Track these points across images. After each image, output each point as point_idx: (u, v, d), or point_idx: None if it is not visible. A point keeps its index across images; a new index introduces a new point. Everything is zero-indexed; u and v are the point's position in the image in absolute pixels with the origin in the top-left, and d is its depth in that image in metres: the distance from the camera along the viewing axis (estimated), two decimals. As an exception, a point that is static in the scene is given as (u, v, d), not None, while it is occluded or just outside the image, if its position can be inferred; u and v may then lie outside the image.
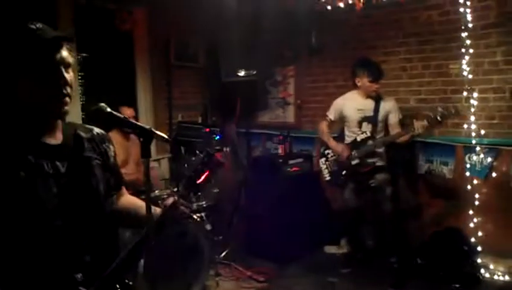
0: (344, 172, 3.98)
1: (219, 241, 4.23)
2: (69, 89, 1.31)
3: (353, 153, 3.89)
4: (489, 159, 3.88)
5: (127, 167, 3.73)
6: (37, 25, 1.28)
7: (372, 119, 3.85)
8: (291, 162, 4.51)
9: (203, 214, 3.78)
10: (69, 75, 1.32)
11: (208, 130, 4.40)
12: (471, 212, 3.88)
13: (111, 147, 1.57)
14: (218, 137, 4.57)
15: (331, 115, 4.09)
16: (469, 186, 3.91)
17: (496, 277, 3.71)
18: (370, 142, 3.84)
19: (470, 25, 3.82)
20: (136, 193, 2.21)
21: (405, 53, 4.36)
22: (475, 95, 3.85)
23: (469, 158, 3.99)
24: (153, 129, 1.30)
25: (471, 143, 3.88)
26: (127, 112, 3.94)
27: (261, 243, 4.30)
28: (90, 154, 1.45)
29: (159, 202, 3.71)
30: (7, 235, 1.22)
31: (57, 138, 1.38)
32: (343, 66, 4.82)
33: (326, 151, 4.14)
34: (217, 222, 4.17)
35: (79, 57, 4.12)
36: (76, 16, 4.15)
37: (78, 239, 1.33)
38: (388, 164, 3.95)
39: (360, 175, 3.94)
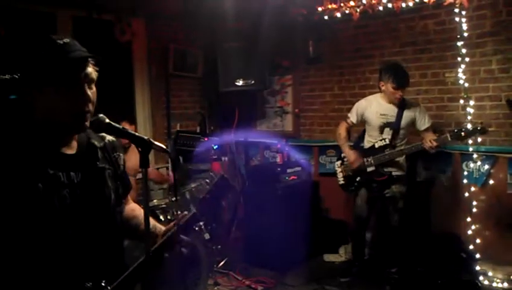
0: (358, 178, 3.88)
1: (217, 250, 4.22)
2: (90, 106, 1.31)
3: (369, 159, 3.77)
4: (486, 167, 3.90)
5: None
6: (64, 40, 1.29)
7: (394, 126, 3.72)
8: (289, 170, 4.52)
9: (201, 223, 3.78)
10: (91, 91, 1.32)
11: (206, 139, 4.41)
12: (469, 219, 3.89)
13: (121, 155, 1.58)
14: (216, 146, 4.58)
15: (353, 117, 3.92)
16: (466, 194, 3.93)
17: (494, 284, 3.70)
18: (387, 150, 3.71)
19: (466, 34, 3.86)
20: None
21: (402, 62, 4.36)
22: (471, 103, 3.88)
23: (466, 165, 4.01)
24: (151, 140, 1.31)
25: (469, 151, 3.90)
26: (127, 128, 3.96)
27: (259, 252, 4.30)
28: (103, 165, 1.46)
29: (157, 211, 3.74)
30: (19, 244, 1.23)
31: (72, 148, 1.38)
32: (340, 75, 4.87)
33: (343, 155, 4.00)
34: (216, 231, 4.17)
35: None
36: (75, 28, 4.19)
37: (89, 248, 1.34)
38: (407, 174, 3.83)
39: (375, 183, 3.81)
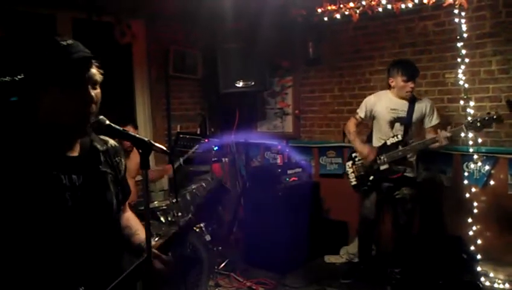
0: (371, 177, 3.78)
1: (218, 251, 4.23)
2: (94, 107, 1.31)
3: (382, 157, 3.67)
4: (487, 167, 3.90)
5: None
6: (68, 42, 1.29)
7: (405, 120, 3.64)
8: (289, 172, 4.52)
9: (202, 224, 3.79)
10: (95, 92, 1.32)
11: (206, 140, 4.41)
12: (470, 220, 3.88)
13: (123, 160, 1.57)
14: (217, 148, 4.59)
15: (362, 112, 3.83)
16: (467, 195, 3.92)
17: (495, 285, 3.69)
18: (400, 147, 3.61)
19: (466, 35, 3.86)
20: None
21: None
22: (472, 103, 3.88)
23: (467, 166, 4.01)
24: (152, 141, 1.31)
25: (469, 151, 3.90)
26: (130, 130, 3.96)
27: (260, 253, 4.30)
28: (105, 169, 1.45)
29: (158, 213, 3.74)
30: (18, 245, 1.23)
31: (75, 150, 1.38)
32: (340, 76, 4.88)
33: (354, 155, 3.91)
34: (217, 233, 4.17)
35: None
36: (75, 30, 4.20)
37: (88, 252, 1.34)
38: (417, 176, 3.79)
39: (387, 182, 3.74)
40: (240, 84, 4.71)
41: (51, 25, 4.09)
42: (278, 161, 4.75)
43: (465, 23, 3.85)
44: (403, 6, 4.13)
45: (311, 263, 4.43)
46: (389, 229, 4.14)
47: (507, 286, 3.67)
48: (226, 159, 5.13)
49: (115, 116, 1.46)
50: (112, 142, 1.55)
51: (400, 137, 3.65)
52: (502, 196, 3.85)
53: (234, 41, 4.91)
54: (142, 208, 3.40)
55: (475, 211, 3.88)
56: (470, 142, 3.84)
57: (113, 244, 1.45)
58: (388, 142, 3.70)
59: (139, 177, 4.02)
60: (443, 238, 4.04)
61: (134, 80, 4.86)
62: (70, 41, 1.29)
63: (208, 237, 3.70)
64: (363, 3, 4.32)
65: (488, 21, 3.86)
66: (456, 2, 3.81)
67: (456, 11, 3.86)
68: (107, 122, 1.32)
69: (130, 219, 1.67)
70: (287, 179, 4.47)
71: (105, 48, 4.34)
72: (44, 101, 1.27)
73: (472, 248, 3.83)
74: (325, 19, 4.66)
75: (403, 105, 3.68)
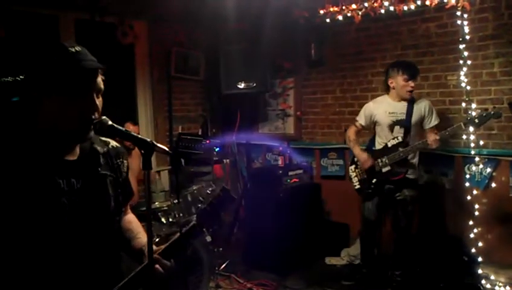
0: (374, 180, 3.78)
1: (219, 253, 4.22)
2: (97, 115, 1.31)
3: (383, 159, 3.68)
4: (488, 170, 3.89)
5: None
6: (76, 48, 1.29)
7: (404, 123, 3.65)
8: (291, 173, 4.52)
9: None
10: (99, 101, 1.32)
11: (208, 142, 4.41)
12: (471, 222, 3.87)
13: (125, 162, 1.57)
14: (218, 149, 4.59)
15: (361, 120, 3.87)
16: (469, 197, 3.91)
17: (496, 288, 3.68)
18: (401, 148, 3.61)
19: (468, 37, 3.85)
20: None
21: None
22: (473, 106, 3.87)
23: (468, 169, 4.00)
24: (154, 142, 1.31)
25: (470, 154, 3.89)
26: (130, 128, 3.97)
27: (261, 254, 4.30)
28: (105, 171, 1.44)
29: (159, 214, 3.74)
30: (15, 250, 1.22)
31: (74, 153, 1.38)
32: (342, 78, 4.88)
33: (356, 159, 3.92)
34: (217, 234, 4.17)
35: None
36: (77, 30, 4.21)
37: (85, 256, 1.33)
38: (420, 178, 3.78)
39: (389, 184, 3.74)
40: (242, 85, 4.71)
41: (54, 25, 4.10)
42: (279, 162, 4.75)
43: (467, 25, 3.85)
44: (405, 8, 4.13)
45: (312, 265, 4.42)
46: (389, 231, 4.13)
47: (508, 288, 3.65)
48: (228, 160, 5.13)
49: (117, 117, 1.46)
50: (113, 143, 1.54)
51: (400, 139, 3.65)
52: (504, 198, 3.84)
53: (236, 43, 4.91)
54: (143, 209, 3.41)
55: (476, 213, 3.87)
56: (472, 145, 3.83)
57: (111, 247, 1.45)
58: (389, 144, 3.70)
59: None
60: (444, 240, 4.03)
61: (136, 80, 4.88)
62: (78, 48, 1.29)
63: (208, 238, 3.69)
64: (366, 5, 4.31)
65: (490, 23, 3.85)
66: (459, 4, 3.81)
67: (458, 13, 3.86)
68: (110, 122, 1.32)
69: (132, 221, 1.67)
70: (288, 181, 4.47)
71: (108, 49, 4.35)
72: (46, 106, 1.27)
73: (473, 250, 3.82)
74: (327, 20, 4.66)
75: (402, 108, 3.68)
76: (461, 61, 3.88)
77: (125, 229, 1.61)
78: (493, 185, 3.90)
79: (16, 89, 1.31)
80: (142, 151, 1.29)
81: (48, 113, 1.27)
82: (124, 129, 1.34)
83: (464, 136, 3.93)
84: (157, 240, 3.21)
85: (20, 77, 1.28)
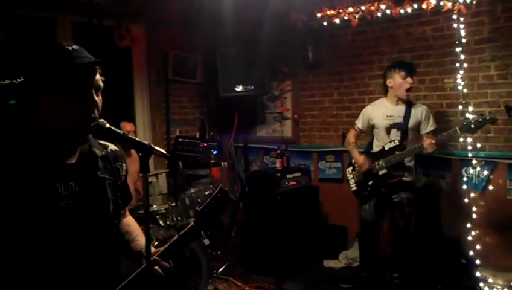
0: (371, 182, 3.79)
1: (217, 256, 4.22)
2: (96, 112, 1.30)
3: (380, 162, 3.68)
4: (485, 173, 3.90)
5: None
6: (73, 46, 1.29)
7: (401, 126, 3.65)
8: (288, 176, 4.52)
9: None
10: (98, 99, 1.32)
11: (206, 144, 4.41)
12: (468, 225, 3.88)
13: (123, 165, 1.56)
14: (216, 152, 4.59)
15: (360, 123, 3.91)
16: (466, 200, 3.92)
17: (494, 291, 3.70)
18: (397, 151, 3.61)
19: (464, 40, 3.87)
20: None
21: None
22: (470, 109, 3.88)
23: (466, 171, 4.01)
24: (151, 145, 1.31)
25: (468, 156, 3.90)
26: (127, 128, 3.97)
27: (259, 257, 4.29)
28: (104, 175, 1.44)
29: (157, 217, 3.74)
30: (14, 253, 1.22)
31: (73, 157, 1.37)
32: (339, 81, 4.89)
33: (353, 161, 3.92)
34: (215, 237, 4.16)
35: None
36: (75, 33, 4.21)
37: (84, 259, 1.33)
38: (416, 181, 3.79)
39: (385, 187, 3.74)
40: (240, 88, 4.71)
41: (51, 28, 4.10)
42: (277, 165, 4.76)
43: (463, 28, 3.87)
44: (402, 11, 4.15)
45: (310, 268, 4.42)
46: (387, 233, 4.13)
47: (506, 291, 3.67)
48: (225, 163, 5.13)
49: (115, 120, 1.46)
50: (112, 147, 1.54)
51: (397, 142, 3.65)
52: (501, 201, 3.86)
53: (234, 46, 4.92)
54: (141, 212, 3.40)
55: (474, 216, 3.88)
56: (469, 147, 3.85)
57: (111, 251, 1.44)
58: (386, 147, 3.70)
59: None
60: (442, 243, 4.03)
61: (133, 83, 4.87)
62: (75, 47, 1.29)
63: (206, 241, 3.69)
64: (362, 8, 4.34)
65: (486, 26, 3.88)
66: (455, 8, 3.83)
67: (454, 17, 3.88)
68: (107, 125, 1.32)
69: (130, 224, 1.66)
70: (286, 184, 4.47)
71: (105, 52, 4.35)
72: (44, 104, 1.26)
73: (471, 253, 3.83)
74: (325, 23, 4.68)
75: (399, 111, 3.69)
76: (458, 64, 3.90)
77: (124, 231, 1.61)
78: (490, 187, 3.91)
79: (14, 91, 1.31)
80: (140, 154, 1.29)
81: (46, 111, 1.27)
82: (121, 132, 1.33)
83: (461, 139, 3.94)
84: (156, 243, 3.20)
85: (18, 79, 1.28)
